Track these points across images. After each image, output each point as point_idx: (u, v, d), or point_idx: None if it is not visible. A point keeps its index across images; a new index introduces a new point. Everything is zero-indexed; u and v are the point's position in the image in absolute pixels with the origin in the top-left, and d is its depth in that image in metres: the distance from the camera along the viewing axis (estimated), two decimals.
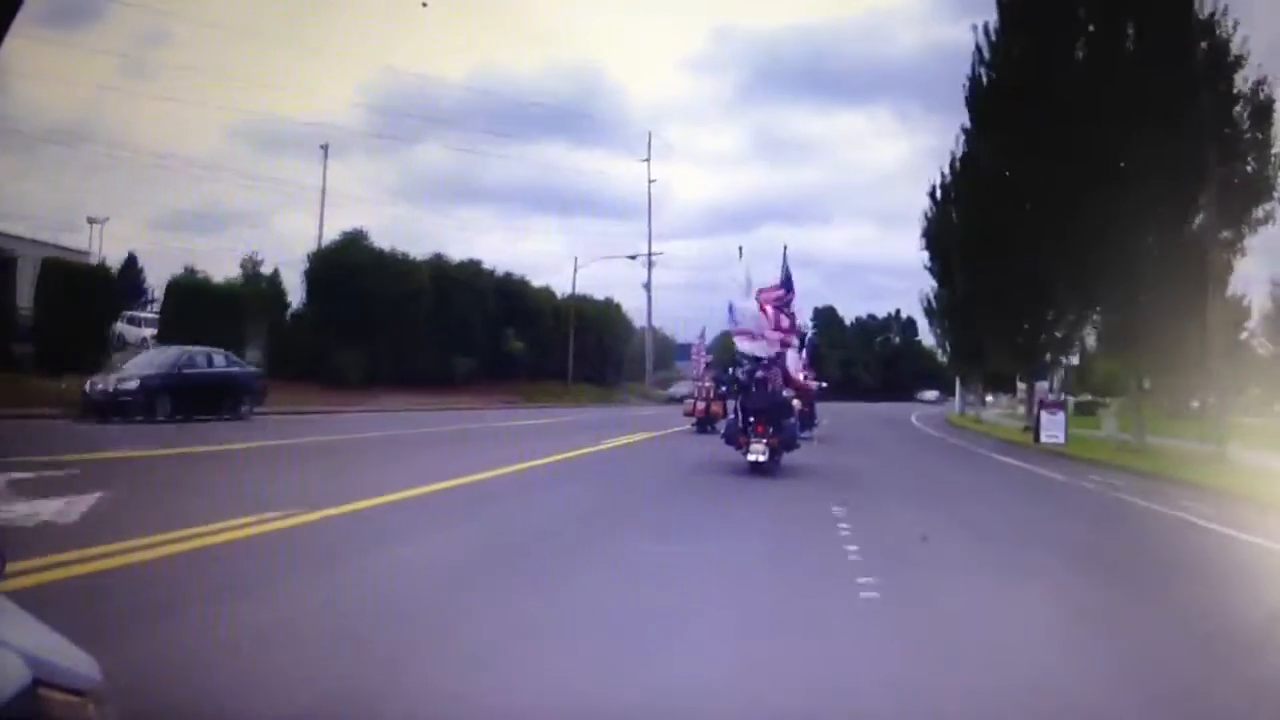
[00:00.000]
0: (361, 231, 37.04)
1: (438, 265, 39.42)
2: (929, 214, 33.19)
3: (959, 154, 27.60)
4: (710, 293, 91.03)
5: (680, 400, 32.56)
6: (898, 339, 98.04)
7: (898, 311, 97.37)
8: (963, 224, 27.15)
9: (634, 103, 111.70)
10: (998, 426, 28.59)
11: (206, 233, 74.82)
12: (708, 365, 20.48)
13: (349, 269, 34.83)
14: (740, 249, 11.36)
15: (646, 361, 59.67)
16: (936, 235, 32.31)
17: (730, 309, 10.89)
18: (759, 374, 10.47)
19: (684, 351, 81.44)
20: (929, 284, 35.72)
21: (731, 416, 10.94)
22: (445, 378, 36.63)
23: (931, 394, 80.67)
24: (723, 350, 22.22)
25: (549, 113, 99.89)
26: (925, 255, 34.21)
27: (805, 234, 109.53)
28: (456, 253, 43.61)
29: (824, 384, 22.77)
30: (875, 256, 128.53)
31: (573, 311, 46.23)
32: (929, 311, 36.85)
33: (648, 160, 59.23)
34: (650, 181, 59.87)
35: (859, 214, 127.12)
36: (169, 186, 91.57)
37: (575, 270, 47.10)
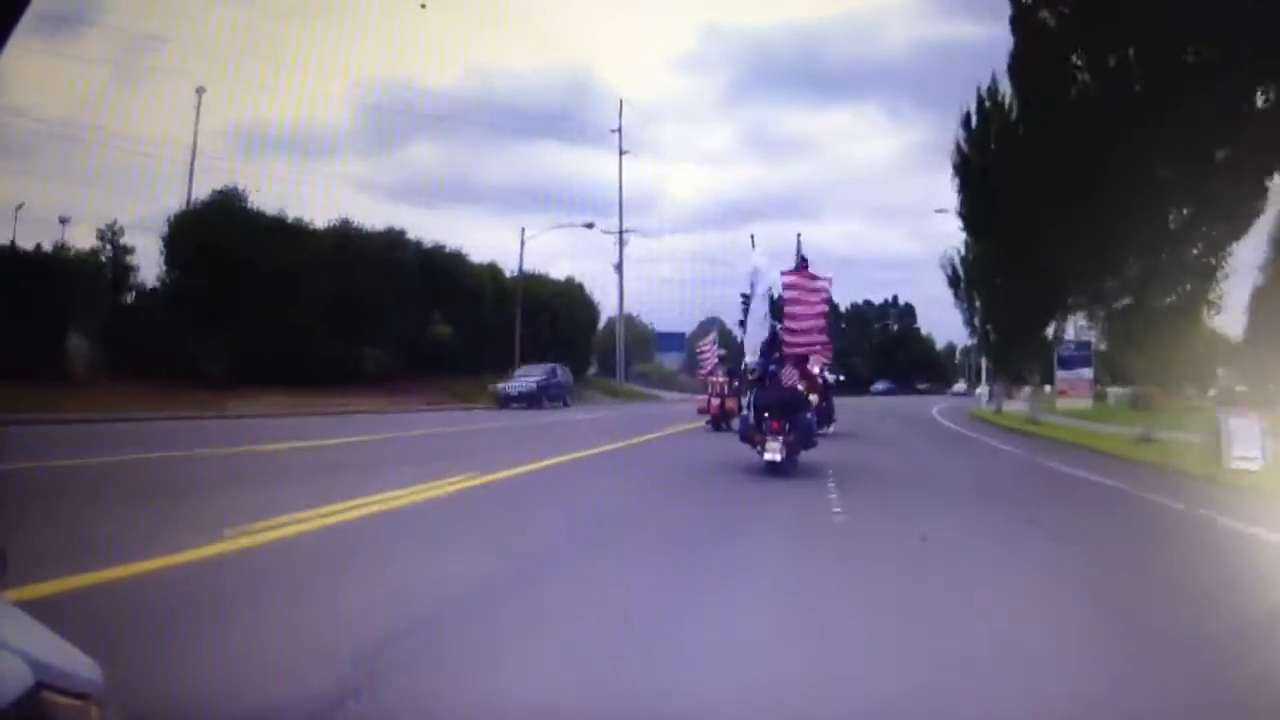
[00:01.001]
0: (235, 190, 29.47)
1: (341, 233, 31.87)
2: (962, 144, 25.71)
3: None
4: (700, 287, 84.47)
5: (514, 399, 30.37)
6: (896, 326, 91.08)
7: (895, 298, 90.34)
8: (1029, 141, 19.51)
9: (628, 101, 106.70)
10: (1072, 431, 20.41)
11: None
12: (721, 359, 19.06)
13: (217, 235, 27.24)
14: (752, 237, 11.04)
15: (617, 353, 52.19)
16: (977, 170, 24.89)
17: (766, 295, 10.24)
18: (771, 367, 9.89)
19: (666, 342, 74.23)
20: (954, 243, 28.51)
21: (745, 413, 10.20)
22: (350, 374, 29.01)
23: (960, 385, 76.37)
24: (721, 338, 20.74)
25: (541, 113, 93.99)
26: (957, 203, 26.87)
27: (796, 230, 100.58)
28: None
29: (841, 377, 21.02)
30: (867, 251, 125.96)
31: (520, 291, 38.54)
32: (954, 280, 29.46)
33: (618, 130, 51.81)
34: (621, 153, 52.38)
35: (850, 210, 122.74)
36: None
37: (522, 243, 39.43)
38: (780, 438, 9.41)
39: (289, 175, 61.13)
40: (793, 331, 9.82)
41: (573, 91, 79.34)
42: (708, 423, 18.23)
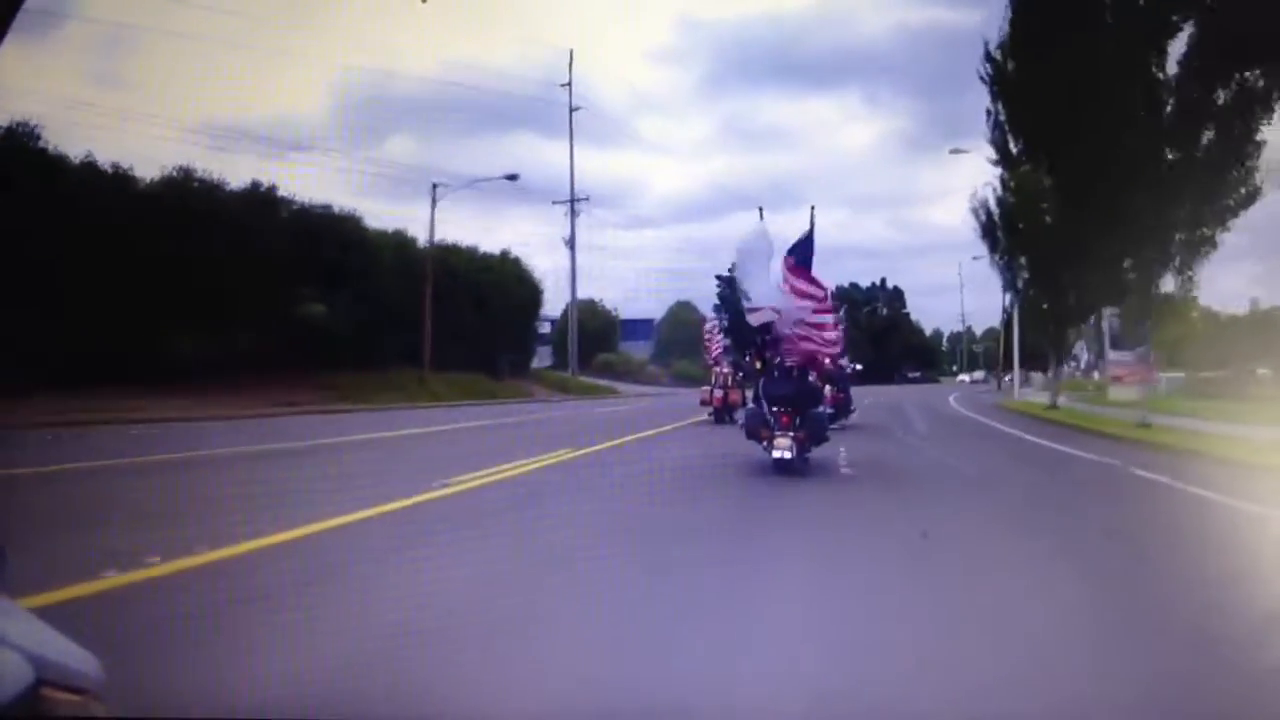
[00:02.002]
0: (27, 124, 21.83)
1: (179, 185, 24.30)
2: (996, 51, 18.53)
3: None
4: (679, 278, 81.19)
5: None
6: (885, 310, 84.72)
7: (883, 280, 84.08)
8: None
9: (604, 95, 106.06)
10: (1227, 443, 12.25)
11: None
12: (725, 349, 17.28)
13: None
14: (760, 210, 9.74)
15: (570, 341, 44.74)
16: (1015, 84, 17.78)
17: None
18: (771, 337, 8.94)
19: (633, 330, 66.79)
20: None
21: (752, 406, 9.43)
22: (162, 367, 21.37)
23: (979, 373, 75.69)
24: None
25: (518, 105, 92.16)
26: (988, 129, 19.71)
27: (777, 220, 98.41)
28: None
29: (858, 366, 20.84)
30: (848, 240, 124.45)
31: (430, 264, 30.84)
32: (987, 228, 22.18)
33: (568, 85, 44.43)
34: (572, 110, 44.96)
35: (831, 199, 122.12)
36: None
37: (433, 203, 31.75)
38: (790, 434, 8.58)
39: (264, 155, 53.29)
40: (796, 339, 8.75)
41: (550, 84, 77.81)
42: (710, 414, 17.57)
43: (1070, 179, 16.94)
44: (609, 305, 63.93)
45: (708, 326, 18.67)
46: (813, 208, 14.55)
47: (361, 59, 64.82)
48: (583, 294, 69.42)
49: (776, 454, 8.50)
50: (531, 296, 39.41)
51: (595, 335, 60.17)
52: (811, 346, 8.76)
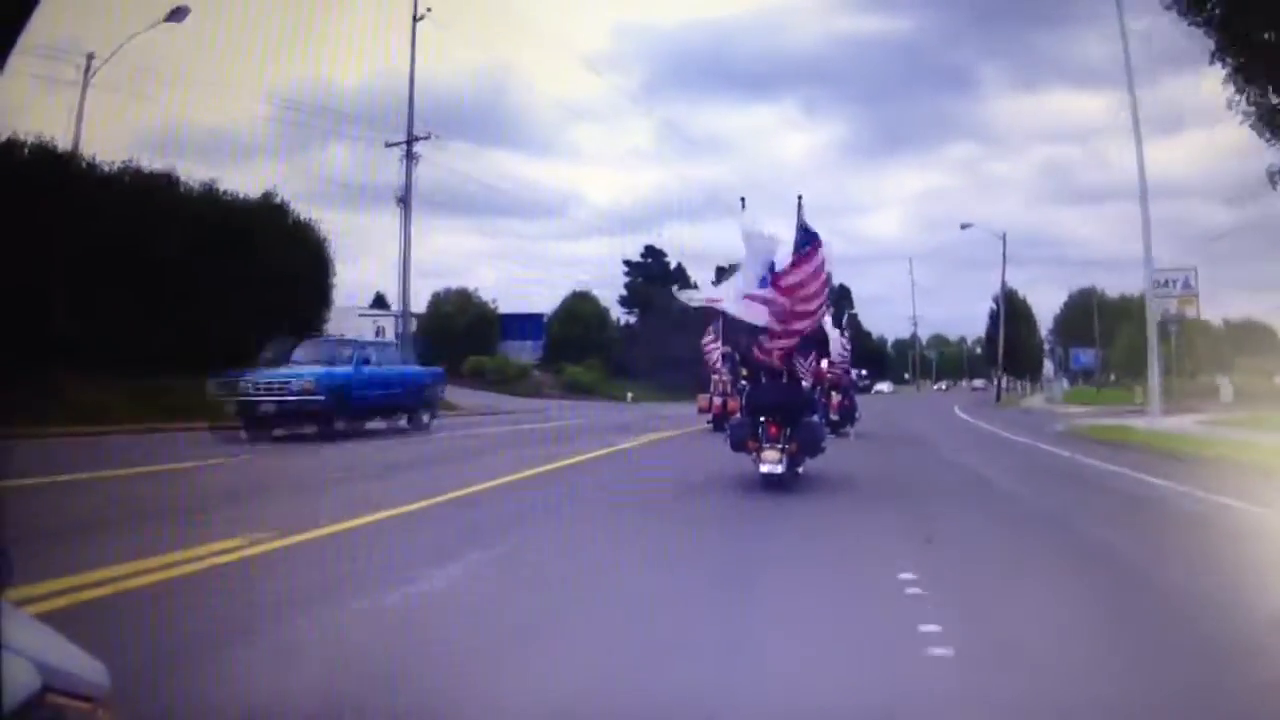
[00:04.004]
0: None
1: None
2: None
3: None
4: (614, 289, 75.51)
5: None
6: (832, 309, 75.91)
7: (828, 276, 75.74)
8: None
9: (541, 102, 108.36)
10: None
11: None
12: (724, 356, 16.60)
13: None
14: (742, 200, 9.17)
15: (400, 331, 32.68)
16: None
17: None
18: (762, 339, 8.21)
19: (518, 328, 54.81)
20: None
21: (740, 415, 8.83)
22: None
23: (979, 381, 76.47)
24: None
25: (455, 113, 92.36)
26: None
27: (713, 229, 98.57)
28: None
29: (863, 371, 20.61)
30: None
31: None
32: None
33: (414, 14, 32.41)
34: (416, 19, 32.97)
35: (768, 207, 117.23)
36: None
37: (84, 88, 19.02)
38: (779, 446, 7.94)
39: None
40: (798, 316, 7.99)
41: (488, 91, 76.41)
42: (709, 422, 17.72)
43: None
44: (487, 297, 52.04)
45: (707, 338, 18.43)
46: (800, 196, 11.56)
47: (292, 66, 60.18)
48: (462, 284, 57.78)
49: (764, 468, 7.89)
50: (317, 257, 26.37)
51: (468, 333, 48.31)
52: (799, 324, 7.99)
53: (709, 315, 14.70)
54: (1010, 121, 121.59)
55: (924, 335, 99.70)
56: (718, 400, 17.21)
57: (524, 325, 53.45)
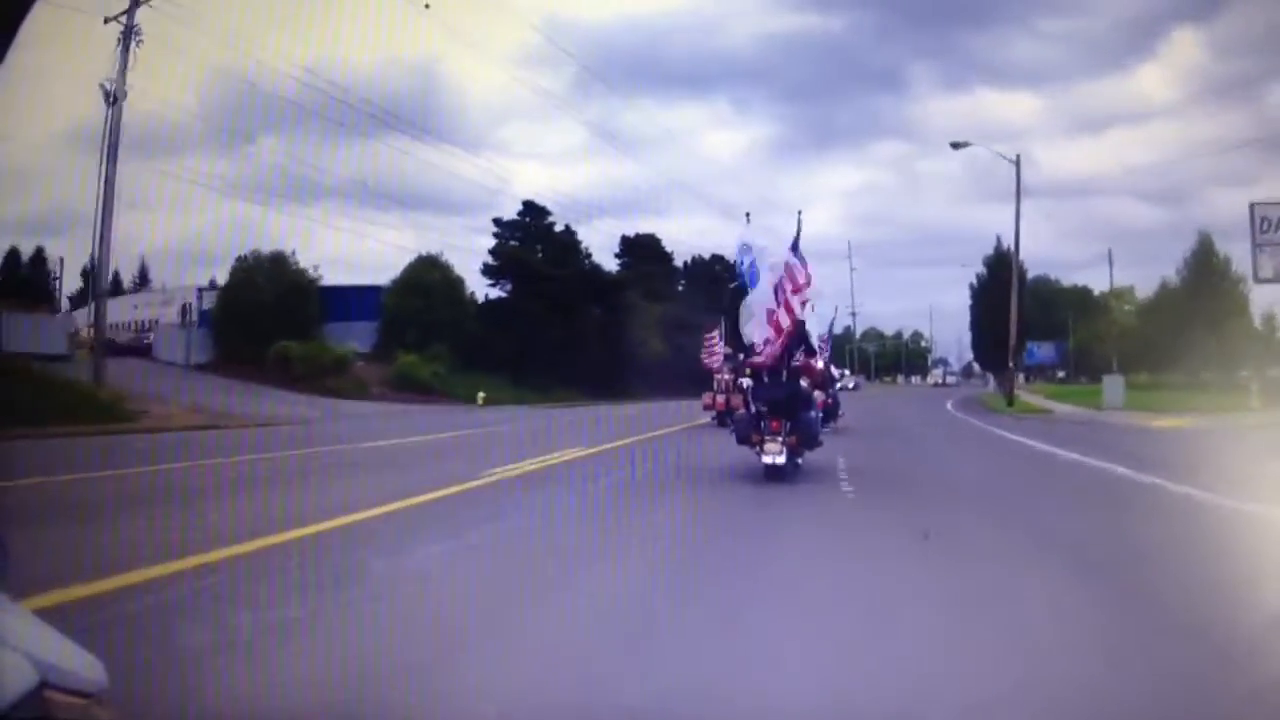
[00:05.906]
0: None
1: None
2: None
3: None
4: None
5: None
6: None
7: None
8: None
9: (472, 101, 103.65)
10: None
11: None
12: (727, 356, 18.43)
13: None
14: (748, 215, 10.38)
15: (92, 309, 21.35)
16: None
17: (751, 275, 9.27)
18: (760, 353, 9.04)
19: (348, 304, 43.34)
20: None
21: (743, 411, 9.62)
22: None
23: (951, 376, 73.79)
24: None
25: (387, 108, 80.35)
26: None
27: (643, 227, 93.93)
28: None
29: (846, 370, 20.88)
30: (716, 247, 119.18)
31: None
32: None
33: None
34: None
35: (699, 206, 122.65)
36: None
37: None
38: (781, 439, 8.65)
39: None
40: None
41: (416, 86, 73.78)
42: (713, 418, 18.67)
43: None
44: (306, 265, 40.08)
45: (710, 336, 20.00)
46: (799, 212, 13.29)
47: (222, 59, 56.31)
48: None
49: (767, 459, 8.60)
50: None
51: (280, 310, 36.85)
52: (788, 317, 8.74)
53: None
54: (940, 121, 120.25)
55: (858, 330, 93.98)
56: (720, 397, 18.58)
57: (357, 302, 41.60)
